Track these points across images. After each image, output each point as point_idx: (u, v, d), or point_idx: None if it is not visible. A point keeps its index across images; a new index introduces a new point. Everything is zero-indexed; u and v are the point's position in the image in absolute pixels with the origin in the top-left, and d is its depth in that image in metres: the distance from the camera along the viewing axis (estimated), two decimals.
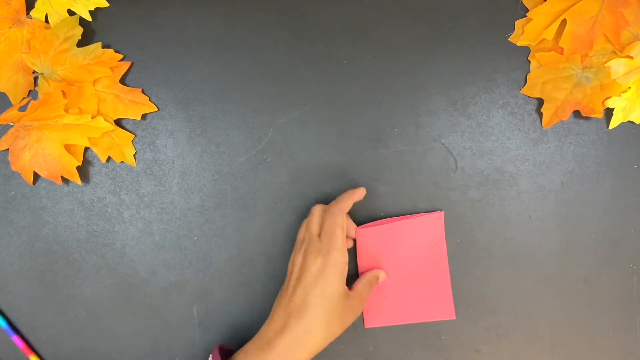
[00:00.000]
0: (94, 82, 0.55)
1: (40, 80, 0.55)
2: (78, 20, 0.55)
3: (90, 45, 0.55)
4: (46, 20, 0.55)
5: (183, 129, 0.57)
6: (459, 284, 0.55)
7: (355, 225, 0.55)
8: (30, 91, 0.56)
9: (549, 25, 0.53)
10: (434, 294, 0.55)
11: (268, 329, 0.47)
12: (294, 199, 0.56)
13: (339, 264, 0.47)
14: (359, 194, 0.52)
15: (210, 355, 0.47)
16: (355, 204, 0.53)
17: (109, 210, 0.57)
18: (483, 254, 0.56)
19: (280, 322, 0.46)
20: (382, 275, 0.54)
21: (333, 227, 0.48)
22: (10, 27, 0.55)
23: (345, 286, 0.48)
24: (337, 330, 0.47)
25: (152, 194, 0.57)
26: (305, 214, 0.55)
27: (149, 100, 0.56)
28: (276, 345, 0.45)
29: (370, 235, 0.54)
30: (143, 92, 0.56)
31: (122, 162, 0.56)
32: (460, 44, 0.56)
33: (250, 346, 0.47)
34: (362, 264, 0.55)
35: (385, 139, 0.56)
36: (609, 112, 0.55)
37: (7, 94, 0.55)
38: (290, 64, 0.57)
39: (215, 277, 0.56)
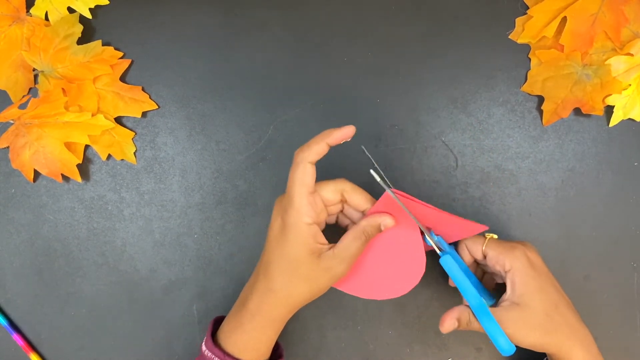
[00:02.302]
0: (94, 79, 0.55)
1: (40, 78, 0.55)
2: (78, 18, 0.55)
3: (91, 42, 0.55)
4: (46, 18, 0.55)
5: (183, 127, 0.57)
6: None
7: (360, 190, 0.46)
8: (30, 89, 0.56)
9: (550, 23, 0.53)
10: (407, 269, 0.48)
11: (245, 289, 0.47)
12: None
13: (299, 225, 0.42)
14: (338, 134, 0.43)
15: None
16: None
17: (109, 208, 0.57)
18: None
19: (252, 280, 0.46)
20: (387, 222, 0.45)
21: (290, 183, 0.43)
22: (10, 25, 0.55)
23: (318, 245, 0.43)
24: (305, 290, 0.44)
25: (152, 191, 0.57)
26: None
27: (149, 98, 0.56)
28: (248, 303, 0.45)
29: (395, 204, 0.46)
30: (143, 89, 0.56)
31: (122, 159, 0.56)
32: (460, 42, 0.56)
33: (233, 308, 0.47)
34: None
35: (385, 136, 0.56)
36: (609, 110, 0.55)
37: (8, 92, 0.55)
38: (290, 62, 0.57)
39: (215, 275, 0.56)
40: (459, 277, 0.46)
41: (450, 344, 0.56)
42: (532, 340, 0.44)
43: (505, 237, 0.56)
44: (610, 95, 0.54)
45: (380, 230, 0.46)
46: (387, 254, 0.48)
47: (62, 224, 0.57)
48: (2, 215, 0.57)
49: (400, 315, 0.56)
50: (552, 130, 0.56)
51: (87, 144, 0.55)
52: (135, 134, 0.56)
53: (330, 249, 0.44)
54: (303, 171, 0.43)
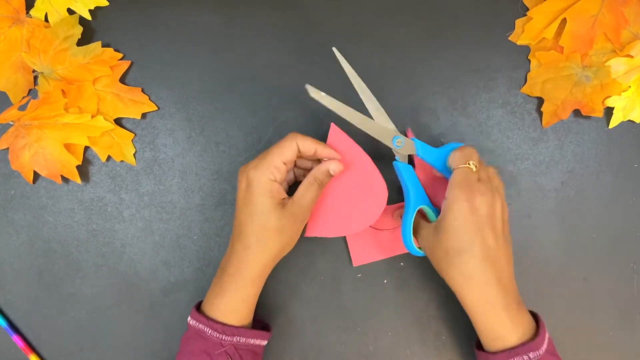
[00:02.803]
0: (94, 81, 0.55)
1: (40, 80, 0.55)
2: (78, 19, 0.55)
3: (90, 44, 0.55)
4: (46, 20, 0.55)
5: (183, 128, 0.57)
6: None
7: (308, 137, 0.50)
8: (30, 90, 0.56)
9: (549, 25, 0.53)
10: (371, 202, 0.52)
11: (223, 259, 0.50)
12: None
13: (262, 181, 0.47)
14: (326, 152, 0.50)
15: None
16: None
17: (109, 210, 0.57)
18: None
19: (229, 248, 0.50)
20: (334, 167, 0.50)
21: (271, 149, 0.48)
22: (10, 26, 0.55)
23: (281, 198, 0.48)
24: (277, 240, 0.47)
25: (152, 193, 0.57)
26: None
27: (149, 99, 0.56)
28: (227, 268, 0.48)
29: (340, 140, 0.51)
30: (143, 91, 0.56)
31: (122, 161, 0.56)
32: (460, 43, 0.56)
33: (214, 278, 0.50)
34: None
35: None
36: (609, 111, 0.55)
37: (7, 93, 0.55)
38: (290, 63, 0.57)
39: (214, 276, 0.56)
40: (407, 183, 0.51)
41: (449, 345, 0.56)
42: (439, 265, 0.48)
43: None
44: (610, 96, 0.54)
45: (330, 175, 0.50)
46: (348, 188, 0.51)
47: (61, 225, 0.57)
48: (1, 217, 0.57)
49: (400, 317, 0.56)
50: (552, 131, 0.56)
51: (87, 145, 0.55)
52: (135, 135, 0.56)
53: (289, 199, 0.48)
54: (289, 145, 0.48)
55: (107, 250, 0.57)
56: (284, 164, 0.48)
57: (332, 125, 0.51)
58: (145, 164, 0.57)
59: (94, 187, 0.57)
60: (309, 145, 0.48)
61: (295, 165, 0.53)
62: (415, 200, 0.50)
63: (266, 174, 0.47)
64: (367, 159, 0.51)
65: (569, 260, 0.56)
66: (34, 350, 0.56)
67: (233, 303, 0.48)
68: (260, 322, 0.53)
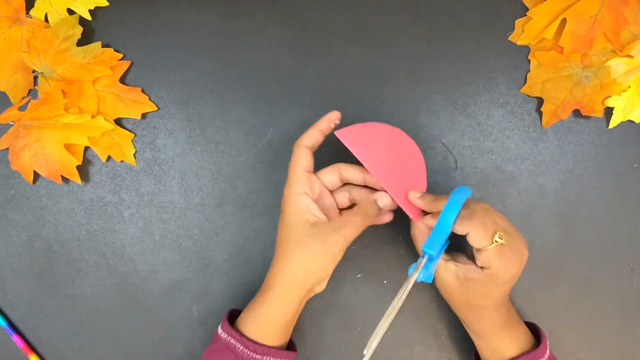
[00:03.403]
0: (94, 81, 0.55)
1: (40, 80, 0.55)
2: (78, 20, 0.55)
3: (90, 44, 0.55)
4: (46, 20, 0.55)
5: (183, 128, 0.57)
6: None
7: (353, 165, 0.49)
8: (30, 90, 0.56)
9: (549, 25, 0.53)
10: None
11: None
12: None
13: (291, 196, 0.47)
14: (324, 120, 0.48)
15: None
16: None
17: (109, 210, 0.57)
18: None
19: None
20: (383, 201, 0.48)
21: (289, 166, 0.48)
22: (10, 27, 0.55)
23: (313, 215, 0.46)
24: (299, 257, 0.46)
25: (152, 193, 0.57)
26: None
27: (149, 99, 0.56)
28: (263, 285, 0.49)
29: (359, 136, 0.47)
30: (143, 91, 0.56)
31: (122, 161, 0.56)
32: (460, 43, 0.56)
33: None
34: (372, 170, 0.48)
35: None
36: (608, 111, 0.55)
37: (7, 93, 0.55)
38: (290, 63, 0.57)
39: (215, 276, 0.56)
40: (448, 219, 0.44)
41: (449, 345, 0.56)
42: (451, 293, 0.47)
43: None
44: (609, 96, 0.54)
45: (379, 208, 0.48)
46: (394, 155, 0.48)
47: (61, 225, 0.57)
48: (1, 217, 0.57)
49: (400, 317, 0.56)
50: (552, 131, 0.56)
51: (87, 145, 0.55)
52: (135, 135, 0.56)
53: (328, 222, 0.47)
54: (299, 153, 0.47)
55: (107, 250, 0.57)
56: (329, 188, 0.48)
57: (338, 133, 0.47)
58: (145, 164, 0.57)
59: (94, 187, 0.57)
60: (356, 174, 0.49)
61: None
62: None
63: (295, 187, 0.47)
64: (384, 125, 0.48)
65: (569, 260, 0.56)
66: (34, 350, 0.56)
67: (263, 321, 0.47)
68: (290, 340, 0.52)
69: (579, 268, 0.56)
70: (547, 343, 0.47)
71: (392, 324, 0.56)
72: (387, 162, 0.48)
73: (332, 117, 0.48)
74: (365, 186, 0.50)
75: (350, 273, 0.56)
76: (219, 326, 0.49)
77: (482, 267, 0.44)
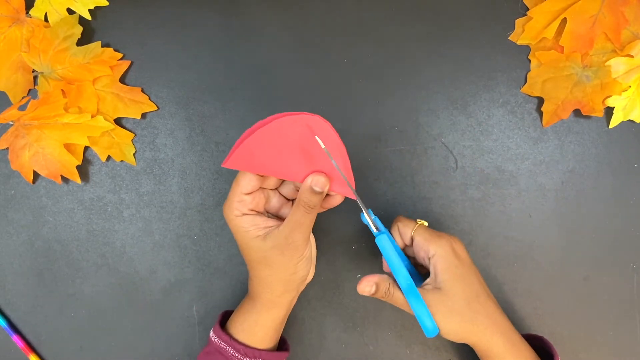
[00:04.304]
0: (94, 81, 0.55)
1: (40, 79, 0.55)
2: (78, 19, 0.55)
3: (90, 44, 0.55)
4: (46, 19, 0.55)
5: (183, 128, 0.57)
6: None
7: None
8: (30, 90, 0.56)
9: (549, 24, 0.53)
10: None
11: None
12: None
13: (230, 219, 0.45)
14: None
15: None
16: (355, 203, 0.52)
17: (109, 209, 0.57)
18: (483, 253, 0.56)
19: None
20: (318, 182, 0.43)
21: (234, 181, 0.46)
22: (9, 26, 0.55)
23: (260, 229, 0.45)
24: (269, 272, 0.45)
25: (152, 193, 0.57)
26: None
27: (149, 99, 0.56)
28: (249, 290, 0.49)
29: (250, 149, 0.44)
30: (143, 91, 0.56)
31: (122, 161, 0.56)
32: (460, 43, 0.56)
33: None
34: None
35: (385, 138, 0.56)
36: (609, 111, 0.55)
37: (7, 93, 0.55)
38: (290, 63, 0.57)
39: (215, 276, 0.56)
40: (392, 257, 0.46)
41: (449, 345, 0.56)
42: (452, 326, 0.45)
43: (505, 239, 0.56)
44: (610, 96, 0.54)
45: (315, 192, 0.44)
46: (305, 147, 0.44)
47: (61, 225, 0.57)
48: (1, 217, 0.57)
49: (400, 317, 0.56)
50: (552, 131, 0.56)
51: (87, 145, 0.55)
52: (135, 135, 0.56)
53: (277, 227, 0.45)
54: (242, 174, 0.45)
55: (107, 250, 0.57)
56: (247, 194, 0.45)
57: (225, 165, 0.44)
58: (145, 163, 0.57)
59: (94, 187, 0.57)
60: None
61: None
62: (406, 274, 0.46)
63: (231, 211, 0.45)
64: (277, 120, 0.43)
65: (569, 260, 0.56)
66: (34, 350, 0.56)
67: (252, 325, 0.48)
68: (281, 338, 0.52)
69: (579, 268, 0.56)
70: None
71: (392, 324, 0.56)
72: (288, 160, 0.44)
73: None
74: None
75: (350, 273, 0.56)
76: (212, 329, 0.49)
77: (431, 257, 0.46)
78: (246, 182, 0.45)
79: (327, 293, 0.57)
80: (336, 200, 0.46)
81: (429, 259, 0.47)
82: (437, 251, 0.46)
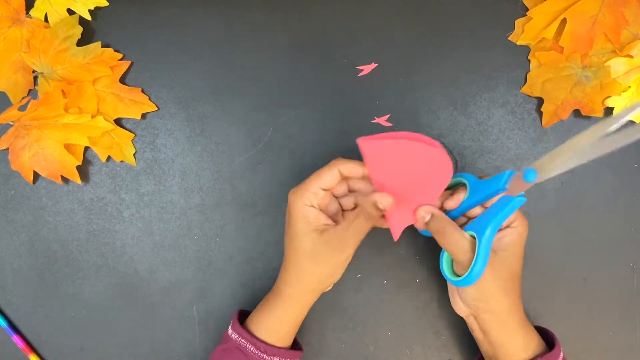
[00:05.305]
0: (94, 81, 0.55)
1: (40, 80, 0.55)
2: (78, 20, 0.55)
3: (90, 44, 0.55)
4: (46, 20, 0.55)
5: (183, 128, 0.57)
6: None
7: (352, 160, 0.46)
8: (30, 90, 0.56)
9: (549, 25, 0.53)
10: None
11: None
12: None
13: (297, 206, 0.46)
14: (369, 183, 0.47)
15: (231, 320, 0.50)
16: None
17: (109, 210, 0.57)
18: None
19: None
20: (382, 202, 0.44)
21: (312, 175, 0.47)
22: (9, 27, 0.55)
23: (321, 223, 0.46)
24: (312, 266, 0.47)
25: (152, 193, 0.57)
26: None
27: (149, 99, 0.56)
28: (274, 286, 0.50)
29: (378, 150, 0.43)
30: (143, 91, 0.56)
31: (122, 161, 0.56)
32: (460, 43, 0.56)
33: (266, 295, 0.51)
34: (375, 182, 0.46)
35: None
36: (609, 112, 0.55)
37: (7, 94, 0.55)
38: (290, 63, 0.57)
39: (215, 276, 0.56)
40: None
41: (449, 345, 0.56)
42: (491, 284, 0.45)
43: None
44: (609, 97, 0.54)
45: (379, 209, 0.44)
46: (412, 173, 0.44)
47: (61, 225, 0.57)
48: (1, 217, 0.57)
49: (400, 317, 0.56)
50: (552, 131, 0.56)
51: (87, 145, 0.55)
52: (135, 135, 0.56)
53: (332, 228, 0.46)
54: (328, 171, 0.46)
55: (107, 250, 0.57)
56: (323, 189, 0.46)
57: (360, 141, 0.43)
58: (145, 164, 0.57)
59: (94, 187, 0.57)
60: (354, 169, 0.46)
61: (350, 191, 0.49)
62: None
63: (302, 199, 0.46)
64: (418, 142, 0.43)
65: (569, 260, 0.56)
66: (34, 350, 0.56)
67: (275, 321, 0.48)
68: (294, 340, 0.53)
69: (579, 268, 0.56)
70: (560, 347, 0.47)
71: (392, 324, 0.56)
72: (400, 182, 0.45)
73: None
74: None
75: (350, 273, 0.56)
76: (229, 326, 0.49)
77: (509, 226, 0.47)
78: (329, 179, 0.46)
79: (327, 293, 0.56)
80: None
81: (507, 226, 0.47)
82: (520, 224, 0.47)
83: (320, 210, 0.47)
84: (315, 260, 0.47)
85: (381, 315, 0.56)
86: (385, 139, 0.43)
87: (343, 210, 0.50)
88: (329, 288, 0.50)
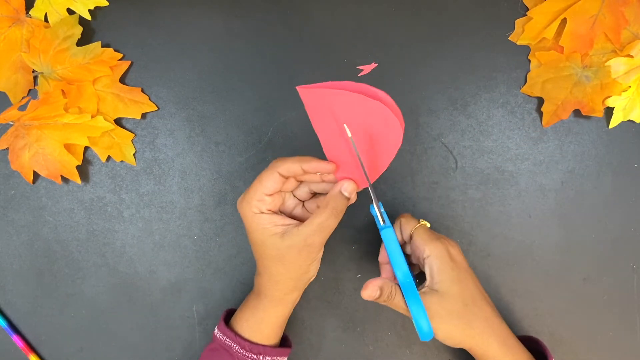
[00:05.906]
0: (94, 81, 0.55)
1: (40, 80, 0.55)
2: (78, 20, 0.55)
3: (90, 44, 0.55)
4: (46, 20, 0.55)
5: (183, 128, 0.57)
6: None
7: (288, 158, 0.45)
8: (30, 90, 0.56)
9: (549, 25, 0.53)
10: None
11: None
12: None
13: (246, 215, 0.45)
14: (315, 164, 0.45)
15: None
16: (354, 204, 0.52)
17: (109, 210, 0.57)
18: (483, 253, 0.56)
19: None
20: (347, 188, 0.44)
21: (254, 182, 0.46)
22: (9, 26, 0.55)
23: (279, 227, 0.45)
24: (281, 270, 0.46)
25: (152, 193, 0.57)
26: None
27: (149, 99, 0.56)
28: (254, 287, 0.50)
29: (318, 99, 0.42)
30: (143, 91, 0.56)
31: (122, 161, 0.56)
32: (460, 43, 0.56)
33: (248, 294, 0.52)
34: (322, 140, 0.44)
35: None
36: (609, 111, 0.55)
37: (7, 93, 0.55)
38: (290, 63, 0.57)
39: (215, 276, 0.56)
40: (395, 252, 0.45)
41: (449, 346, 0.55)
42: (449, 329, 0.44)
43: (505, 239, 0.56)
44: (610, 96, 0.54)
45: (346, 197, 0.45)
46: (363, 140, 0.44)
47: (61, 225, 0.57)
48: (1, 217, 0.57)
49: (400, 317, 0.56)
50: (552, 131, 0.56)
51: (87, 145, 0.55)
52: (135, 135, 0.56)
53: (296, 226, 0.45)
54: (268, 176, 0.45)
55: (107, 250, 0.57)
56: (268, 195, 0.45)
57: (299, 89, 0.42)
58: (145, 164, 0.57)
59: (94, 187, 0.57)
60: (292, 168, 0.45)
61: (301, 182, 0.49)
62: (406, 270, 0.45)
63: (250, 208, 0.45)
64: (358, 95, 0.41)
65: (569, 260, 0.56)
66: (34, 350, 0.56)
67: (258, 322, 0.48)
68: (283, 335, 0.53)
69: (578, 268, 0.56)
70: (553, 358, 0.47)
71: (392, 324, 0.56)
72: (342, 133, 0.43)
73: (325, 168, 0.45)
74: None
75: (350, 273, 0.56)
76: (216, 327, 0.50)
77: (425, 258, 0.46)
78: (270, 184, 0.45)
79: (327, 293, 0.57)
80: (353, 200, 0.47)
81: (424, 259, 0.46)
82: (432, 252, 0.46)
83: (274, 213, 0.46)
84: (283, 265, 0.45)
85: (381, 315, 0.56)
86: (324, 88, 0.42)
87: (302, 200, 0.49)
88: (308, 283, 0.49)
